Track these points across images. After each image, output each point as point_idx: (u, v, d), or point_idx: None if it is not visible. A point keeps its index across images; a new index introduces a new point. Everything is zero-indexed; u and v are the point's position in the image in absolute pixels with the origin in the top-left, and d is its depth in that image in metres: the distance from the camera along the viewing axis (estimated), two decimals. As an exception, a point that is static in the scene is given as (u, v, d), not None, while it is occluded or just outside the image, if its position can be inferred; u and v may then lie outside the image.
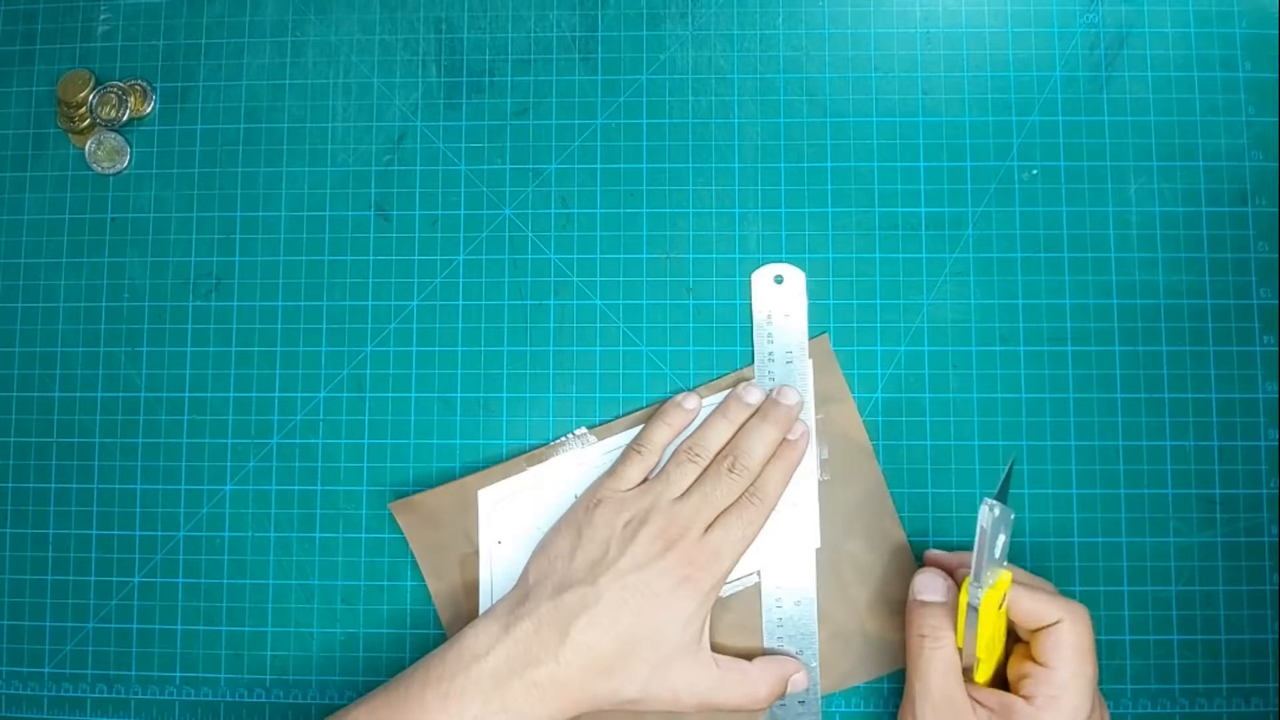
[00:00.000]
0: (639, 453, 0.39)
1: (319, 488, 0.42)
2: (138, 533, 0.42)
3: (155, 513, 0.42)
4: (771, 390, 0.40)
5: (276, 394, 0.42)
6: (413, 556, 0.41)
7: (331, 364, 0.42)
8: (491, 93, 0.44)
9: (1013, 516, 0.34)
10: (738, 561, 0.37)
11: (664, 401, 0.41)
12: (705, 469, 0.38)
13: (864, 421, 0.41)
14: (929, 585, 0.37)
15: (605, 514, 0.38)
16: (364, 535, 0.41)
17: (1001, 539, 0.34)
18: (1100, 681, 0.39)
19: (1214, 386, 0.41)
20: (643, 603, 0.35)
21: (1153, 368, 0.41)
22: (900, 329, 0.42)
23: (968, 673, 0.35)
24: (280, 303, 0.43)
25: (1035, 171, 0.42)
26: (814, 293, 0.42)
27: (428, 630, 0.41)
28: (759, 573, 0.40)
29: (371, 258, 0.43)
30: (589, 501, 0.39)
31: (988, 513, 0.33)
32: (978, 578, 0.33)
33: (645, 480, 0.39)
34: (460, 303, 0.42)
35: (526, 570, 0.38)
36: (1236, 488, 0.40)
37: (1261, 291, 0.41)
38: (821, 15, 0.44)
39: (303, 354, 0.42)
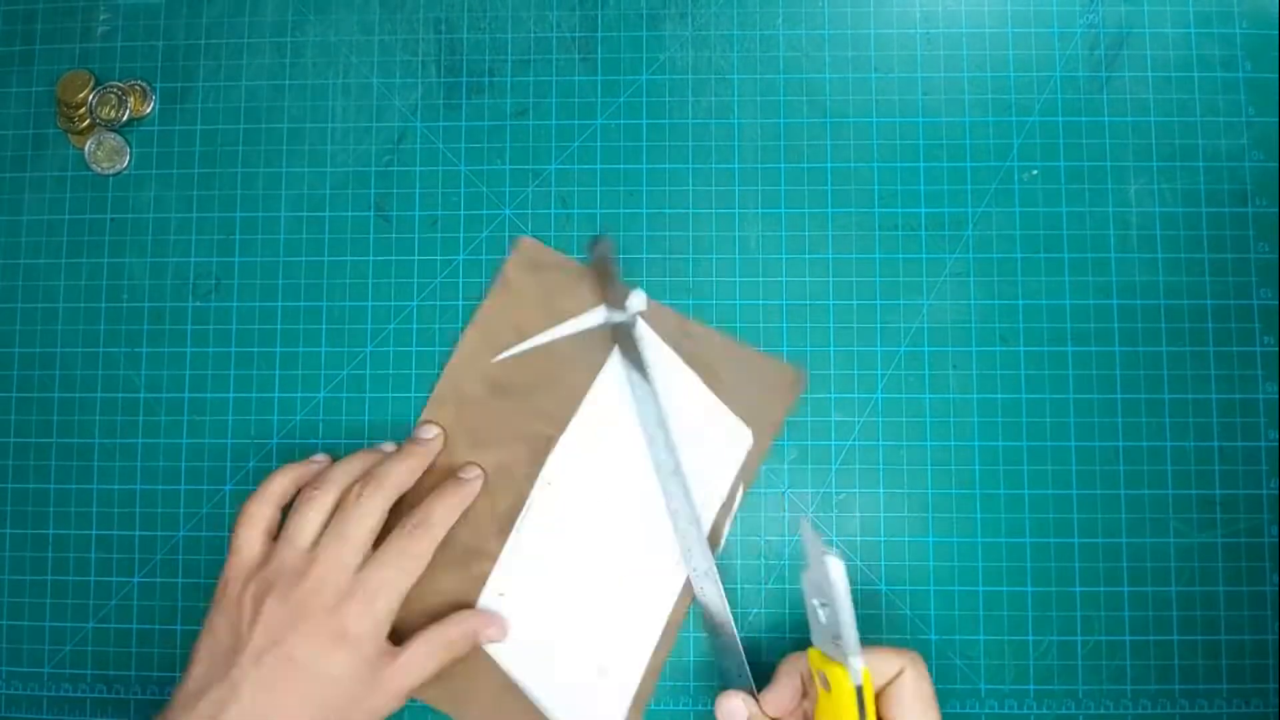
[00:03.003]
0: (247, 518, 0.35)
1: (319, 488, 0.42)
2: (137, 533, 0.42)
3: (155, 513, 0.42)
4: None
5: (276, 394, 0.42)
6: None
7: (331, 364, 0.42)
8: (491, 93, 0.44)
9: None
10: (398, 603, 0.34)
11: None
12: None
13: (864, 421, 0.41)
14: (733, 713, 0.33)
15: (231, 594, 0.33)
16: (364, 535, 0.41)
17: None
18: (1100, 681, 0.40)
19: (1214, 387, 0.41)
20: (292, 682, 0.31)
21: (1153, 368, 0.41)
22: (900, 329, 0.42)
23: None
24: (280, 303, 0.43)
25: (1035, 172, 0.42)
26: (814, 293, 0.42)
27: (427, 630, 0.41)
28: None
29: (371, 258, 0.43)
30: (218, 588, 0.34)
31: (838, 566, 0.29)
32: (852, 647, 0.29)
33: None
34: (460, 303, 0.42)
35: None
36: (1236, 488, 0.40)
37: (1261, 292, 0.41)
38: (821, 15, 0.44)
39: (303, 354, 0.42)
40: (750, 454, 0.41)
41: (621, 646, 0.39)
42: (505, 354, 0.41)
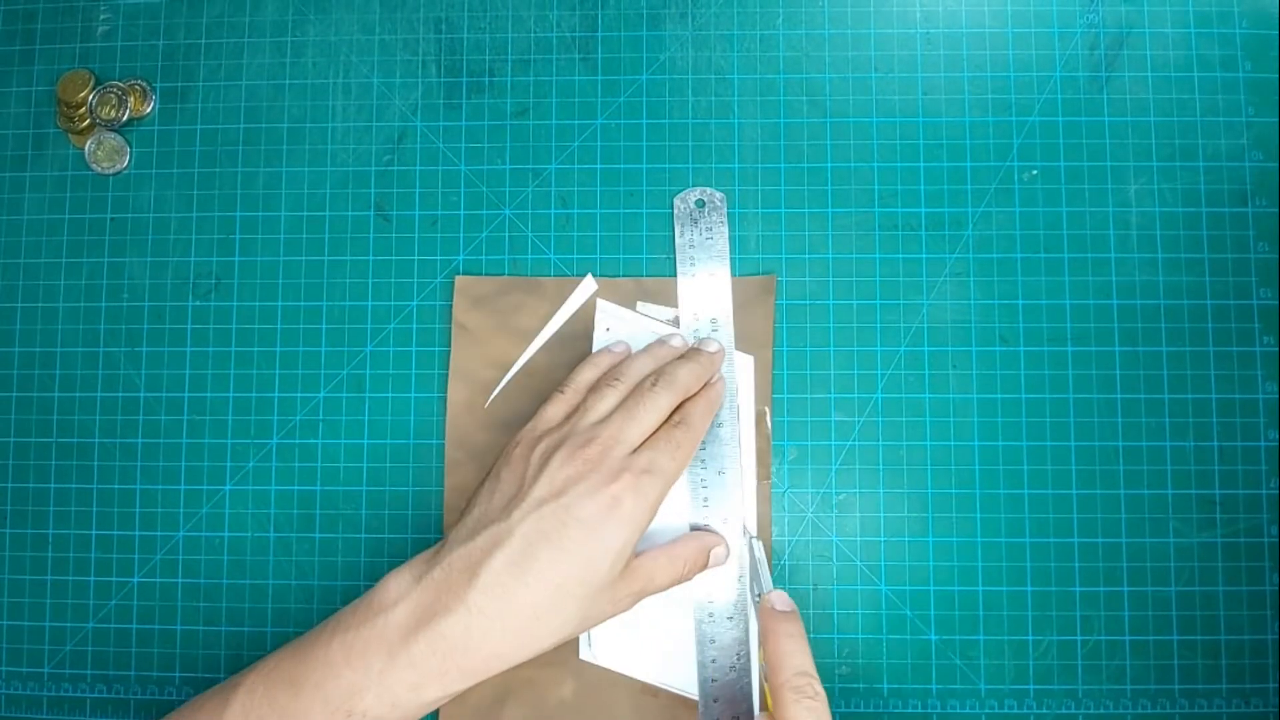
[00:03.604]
0: (561, 393, 0.38)
1: (319, 488, 0.42)
2: (137, 533, 0.42)
3: (155, 513, 0.42)
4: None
5: (276, 394, 0.42)
6: (412, 555, 0.41)
7: (331, 364, 0.42)
8: (491, 93, 0.44)
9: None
10: (670, 488, 0.35)
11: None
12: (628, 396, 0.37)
13: (864, 421, 0.41)
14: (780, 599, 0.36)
15: (521, 450, 0.35)
16: (364, 535, 0.41)
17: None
18: (1100, 681, 0.40)
19: (1214, 387, 0.41)
20: (564, 534, 0.32)
21: (1153, 368, 0.41)
22: (900, 329, 0.42)
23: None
24: (280, 303, 0.43)
25: (1035, 172, 0.42)
26: (814, 293, 0.42)
27: (427, 630, 0.41)
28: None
29: (371, 258, 0.43)
30: (509, 445, 0.37)
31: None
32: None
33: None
34: (460, 303, 0.42)
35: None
36: (1236, 488, 0.40)
37: (1261, 292, 0.41)
38: (821, 15, 0.44)
39: (303, 354, 0.42)
40: (758, 375, 0.41)
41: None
42: (494, 393, 0.41)
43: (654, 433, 0.36)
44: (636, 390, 0.36)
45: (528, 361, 0.41)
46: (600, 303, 0.42)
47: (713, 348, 0.39)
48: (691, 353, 0.39)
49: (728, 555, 0.38)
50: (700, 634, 0.39)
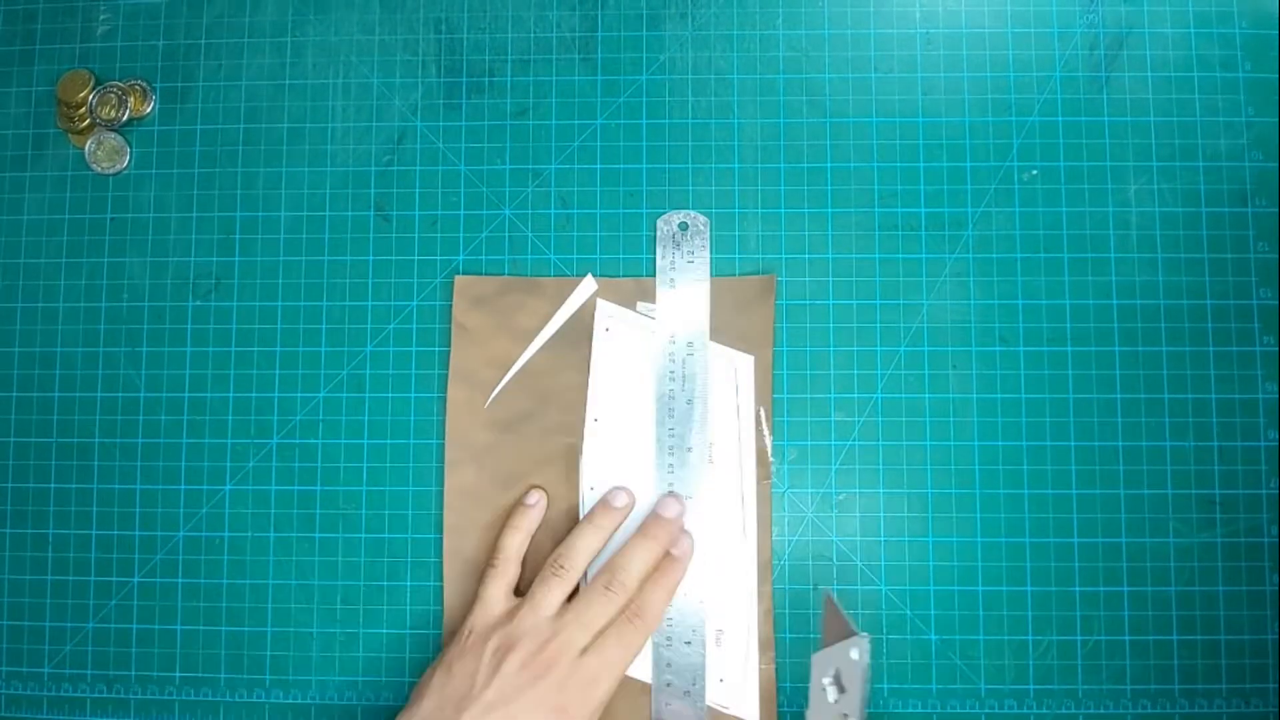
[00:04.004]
0: (494, 567, 0.38)
1: (319, 488, 0.42)
2: (137, 533, 0.42)
3: (155, 513, 0.42)
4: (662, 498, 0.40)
5: (276, 394, 0.42)
6: (412, 555, 0.41)
7: (331, 364, 0.42)
8: (491, 93, 0.44)
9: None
10: (614, 687, 0.36)
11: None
12: (579, 587, 0.37)
13: (864, 421, 0.41)
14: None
15: (472, 643, 0.36)
16: (364, 535, 0.41)
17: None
18: (1100, 681, 0.40)
19: (1214, 387, 0.41)
20: None
21: (1153, 368, 0.41)
22: (900, 329, 0.42)
23: None
24: (280, 303, 0.43)
25: (1035, 172, 0.42)
26: (814, 293, 0.42)
27: (427, 630, 0.41)
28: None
29: (371, 258, 0.43)
30: (461, 632, 0.37)
31: (864, 646, 0.31)
32: None
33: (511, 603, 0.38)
34: (460, 303, 0.42)
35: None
36: (1236, 488, 0.40)
37: (1261, 292, 0.41)
38: (821, 15, 0.44)
39: (303, 354, 0.42)
40: (758, 375, 0.41)
41: (727, 606, 0.40)
42: (494, 393, 0.41)
43: (606, 626, 0.36)
44: (589, 589, 0.37)
45: (528, 361, 0.41)
46: (600, 303, 0.42)
47: (671, 511, 0.39)
48: (650, 525, 0.38)
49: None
50: (657, 658, 0.39)
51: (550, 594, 0.37)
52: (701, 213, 0.42)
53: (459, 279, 0.42)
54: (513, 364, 0.41)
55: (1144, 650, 0.40)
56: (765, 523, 0.40)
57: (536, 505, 0.40)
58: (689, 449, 0.40)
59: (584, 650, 0.36)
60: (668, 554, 0.38)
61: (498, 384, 0.41)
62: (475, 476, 0.41)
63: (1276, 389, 0.41)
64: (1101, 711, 0.40)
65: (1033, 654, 0.40)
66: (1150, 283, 0.41)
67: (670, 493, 0.40)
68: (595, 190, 0.43)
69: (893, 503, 0.41)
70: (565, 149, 0.43)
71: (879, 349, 0.42)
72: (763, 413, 0.41)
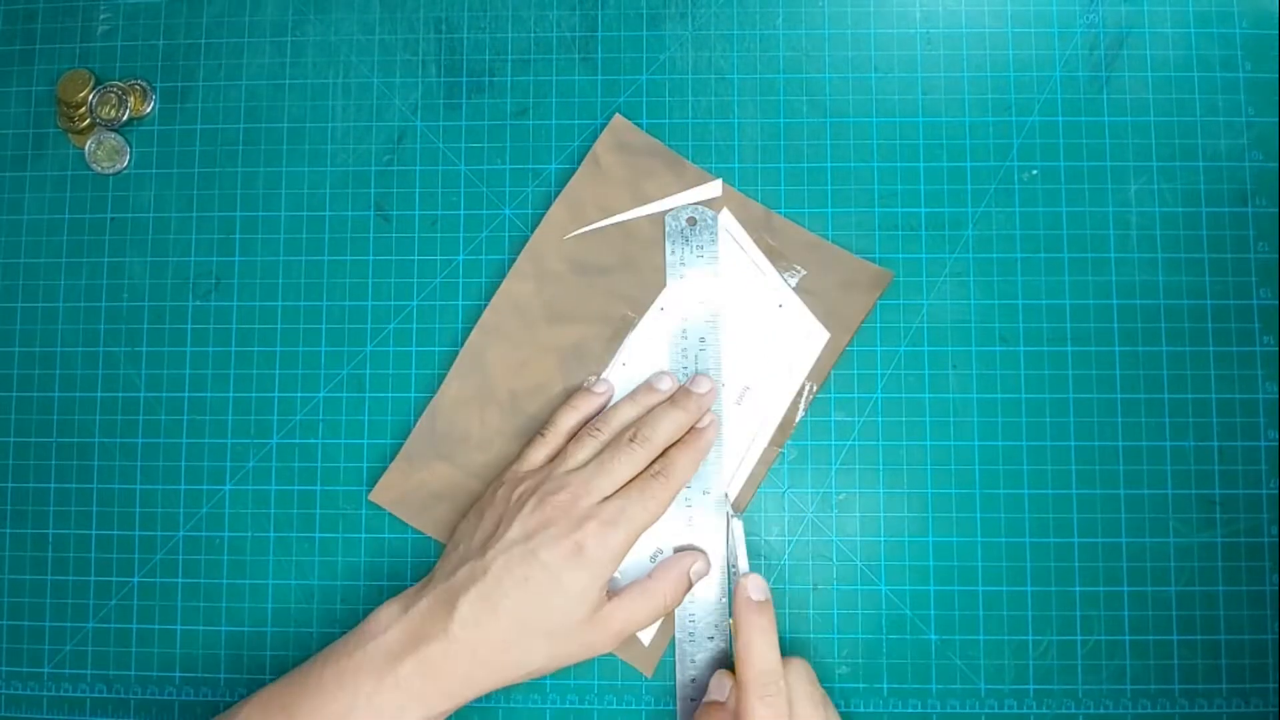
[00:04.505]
0: (543, 436, 0.39)
1: (319, 488, 0.42)
2: (137, 533, 0.42)
3: (155, 513, 0.42)
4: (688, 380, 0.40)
5: (276, 394, 0.42)
6: (412, 555, 0.41)
7: (331, 364, 0.42)
8: (491, 93, 0.44)
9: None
10: (637, 537, 0.36)
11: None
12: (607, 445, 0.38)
13: (864, 421, 0.41)
14: (717, 686, 0.37)
15: (504, 492, 0.38)
16: (364, 535, 0.41)
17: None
18: (1100, 681, 0.40)
19: (1214, 387, 0.41)
20: (530, 575, 0.35)
21: (1153, 368, 0.41)
22: (900, 329, 0.42)
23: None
24: (280, 303, 0.43)
25: (1035, 172, 0.42)
26: (814, 293, 0.42)
27: (427, 630, 0.41)
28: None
29: (371, 258, 0.43)
30: (494, 484, 0.39)
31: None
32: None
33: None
34: (460, 303, 0.42)
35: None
36: (1236, 488, 0.40)
37: (1261, 292, 0.41)
38: (821, 15, 0.44)
39: (303, 354, 0.42)
40: (824, 353, 0.41)
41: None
42: (585, 229, 0.41)
43: (631, 480, 0.37)
44: (614, 443, 0.38)
45: (630, 222, 0.41)
46: (725, 212, 0.41)
47: (703, 388, 0.39)
48: (680, 395, 0.39)
49: (709, 567, 0.39)
50: (680, 653, 0.39)
51: (581, 450, 0.38)
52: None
53: (618, 117, 0.42)
54: (617, 215, 0.41)
55: (1144, 650, 0.40)
56: (754, 482, 0.40)
57: (602, 394, 0.40)
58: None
59: (607, 498, 0.36)
60: (694, 427, 0.39)
61: (595, 224, 0.41)
62: (531, 295, 0.41)
63: (1276, 389, 0.41)
64: (1101, 711, 0.40)
65: (1033, 654, 0.40)
66: (1150, 283, 0.41)
67: (703, 373, 0.40)
68: (595, 190, 0.43)
69: (893, 503, 0.41)
70: (565, 149, 0.43)
71: (879, 349, 0.42)
72: (811, 388, 0.41)
